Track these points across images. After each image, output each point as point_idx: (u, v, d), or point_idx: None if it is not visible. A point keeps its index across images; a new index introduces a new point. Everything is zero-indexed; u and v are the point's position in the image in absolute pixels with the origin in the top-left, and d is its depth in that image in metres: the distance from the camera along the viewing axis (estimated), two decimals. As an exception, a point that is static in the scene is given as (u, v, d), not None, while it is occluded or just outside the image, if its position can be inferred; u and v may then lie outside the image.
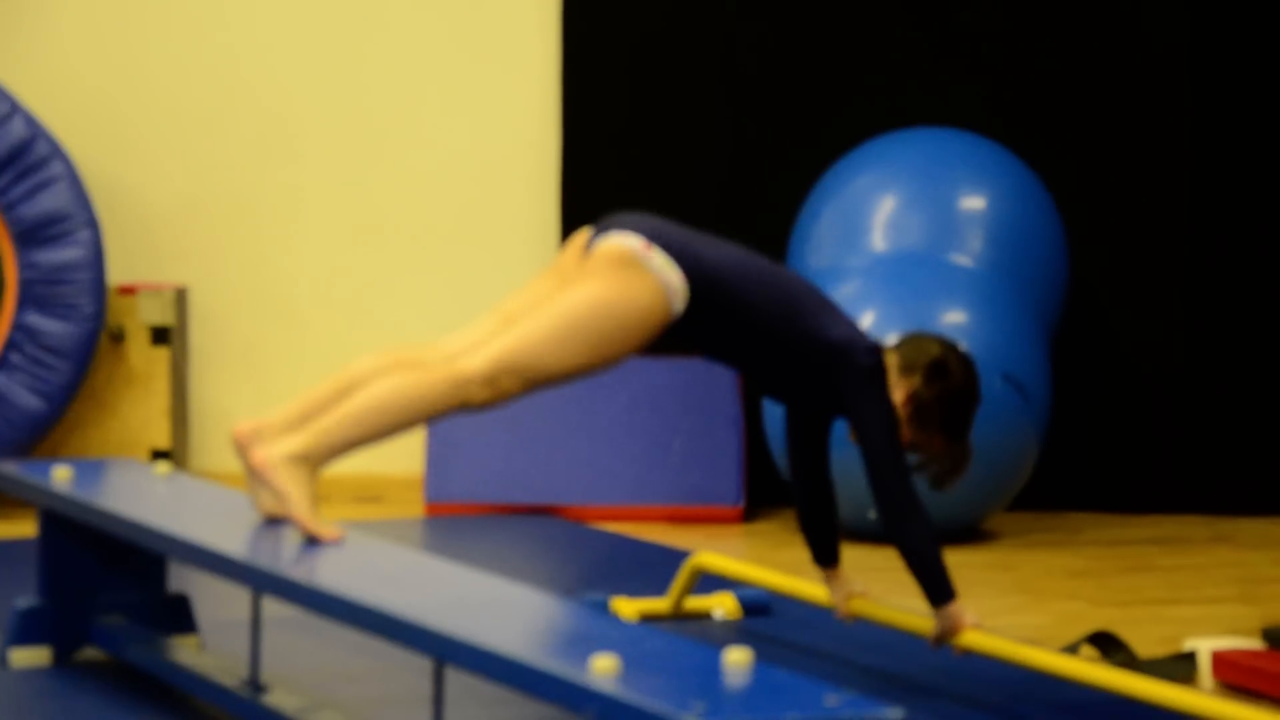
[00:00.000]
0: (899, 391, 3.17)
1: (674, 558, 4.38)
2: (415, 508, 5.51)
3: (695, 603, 3.86)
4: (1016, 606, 4.38)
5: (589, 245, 3.15)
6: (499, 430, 5.55)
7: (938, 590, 3.20)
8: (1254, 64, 5.58)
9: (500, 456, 5.47)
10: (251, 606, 2.95)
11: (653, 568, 4.40)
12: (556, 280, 3.16)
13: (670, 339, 3.13)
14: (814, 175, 5.40)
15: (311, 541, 2.88)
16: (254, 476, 2.98)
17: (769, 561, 4.53)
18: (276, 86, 5.85)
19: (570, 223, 5.78)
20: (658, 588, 3.98)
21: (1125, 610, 4.26)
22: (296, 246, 5.88)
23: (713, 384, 5.53)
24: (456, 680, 2.58)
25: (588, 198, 5.77)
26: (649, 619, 3.76)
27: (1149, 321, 5.62)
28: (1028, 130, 5.54)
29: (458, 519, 5.27)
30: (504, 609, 2.57)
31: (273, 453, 2.94)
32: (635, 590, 3.96)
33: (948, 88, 5.62)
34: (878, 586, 4.46)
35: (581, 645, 2.33)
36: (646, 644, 2.34)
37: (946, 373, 3.18)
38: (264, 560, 2.79)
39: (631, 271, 3.06)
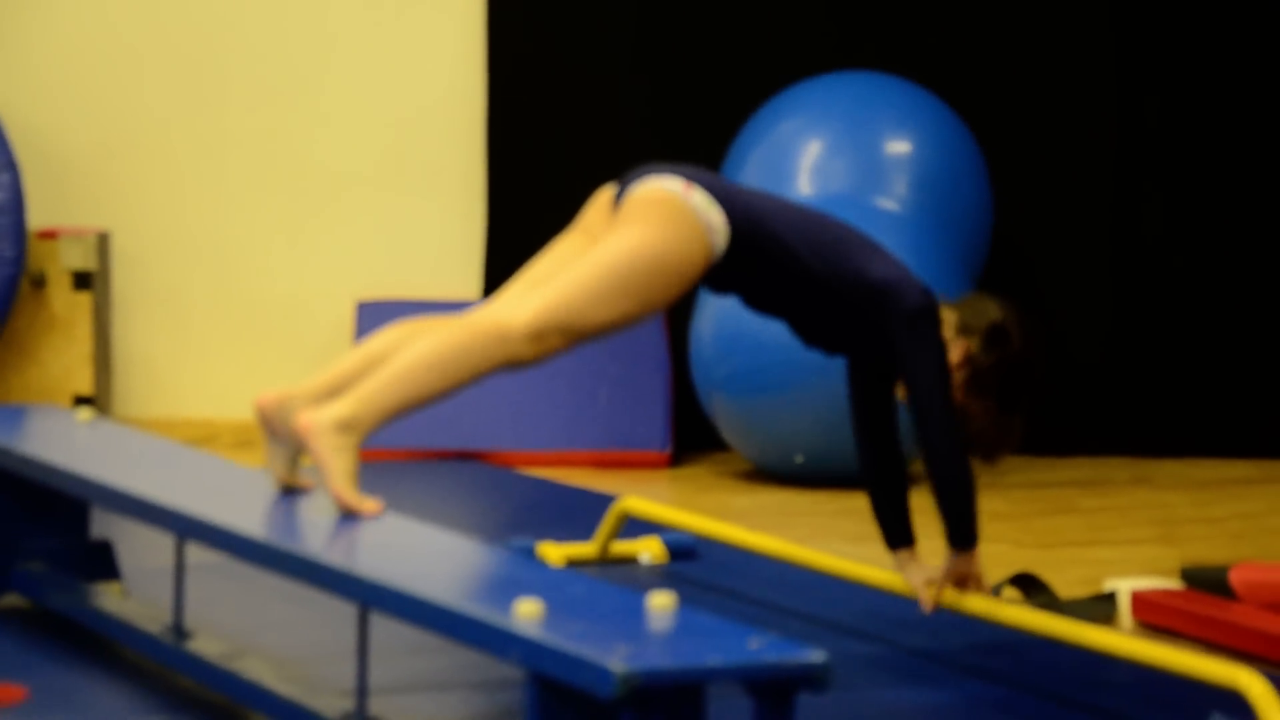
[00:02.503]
0: (954, 351, 2.99)
1: (601, 503, 4.39)
2: (341, 453, 5.49)
3: (622, 547, 3.87)
4: (940, 550, 4.41)
5: (620, 195, 3.00)
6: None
7: (965, 532, 3.04)
8: (1179, 9, 5.61)
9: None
10: (175, 552, 2.93)
11: (579, 513, 4.40)
12: (584, 239, 3.01)
13: (709, 283, 3.00)
14: (740, 119, 5.39)
15: (347, 515, 2.69)
16: (289, 444, 2.79)
17: (695, 506, 4.55)
18: (199, 30, 5.79)
19: (496, 167, 5.76)
20: (584, 533, 3.99)
21: (1047, 552, 4.30)
22: (220, 191, 5.83)
23: (640, 329, 5.52)
24: (383, 627, 2.58)
25: (513, 141, 5.74)
26: (575, 564, 3.77)
27: (1072, 265, 5.65)
28: (953, 75, 5.55)
29: (382, 465, 5.25)
30: (429, 555, 2.57)
31: (318, 418, 2.72)
32: (562, 535, 3.97)
33: (874, 31, 5.62)
34: (807, 529, 4.49)
35: (506, 590, 2.34)
36: (570, 589, 2.35)
37: (1007, 339, 2.99)
38: (187, 505, 2.78)
39: (674, 213, 2.91)
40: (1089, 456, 5.57)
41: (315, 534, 2.66)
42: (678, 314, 5.46)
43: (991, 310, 3.01)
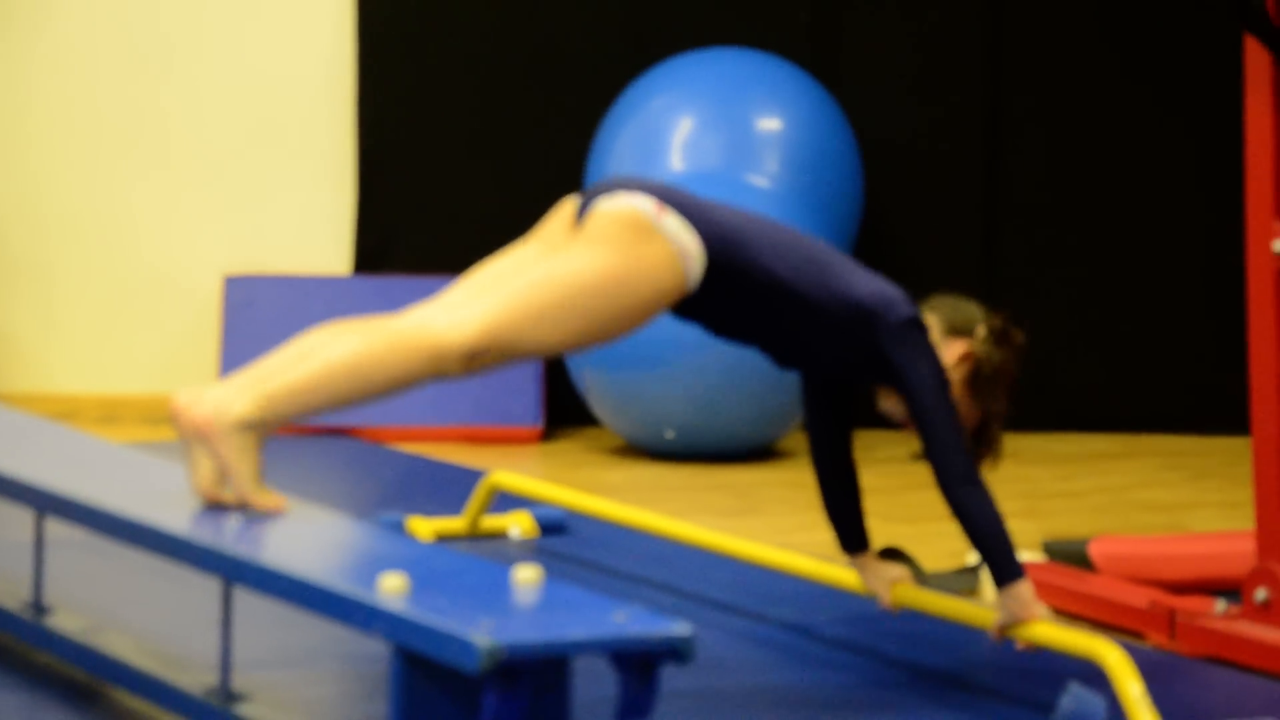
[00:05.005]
0: (950, 351, 2.88)
1: (471, 478, 4.38)
2: (209, 429, 5.43)
3: (492, 522, 3.87)
4: (809, 524, 4.45)
5: (584, 209, 2.77)
6: (295, 350, 5.49)
7: (1005, 566, 2.79)
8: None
9: (297, 377, 5.42)
10: (35, 528, 2.89)
11: (450, 488, 4.39)
12: (541, 250, 2.78)
13: (680, 313, 2.79)
14: (612, 94, 5.39)
15: (253, 514, 2.57)
16: (194, 442, 2.59)
17: (567, 481, 4.55)
18: (67, 0, 5.70)
19: (366, 140, 5.72)
20: (455, 508, 3.98)
21: (914, 526, 4.35)
22: (85, 163, 5.74)
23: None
24: (250, 602, 2.56)
25: (383, 114, 5.71)
26: (445, 538, 3.76)
27: (941, 243, 5.71)
28: (824, 52, 5.59)
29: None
30: (294, 529, 2.55)
31: (219, 417, 2.56)
32: (432, 510, 3.96)
33: (744, 8, 5.64)
34: (678, 504, 4.51)
35: (371, 564, 2.33)
36: (436, 562, 2.34)
37: (1011, 340, 2.92)
38: (47, 480, 2.74)
39: (644, 237, 2.68)
40: (956, 432, 5.63)
41: (179, 509, 2.63)
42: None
43: (971, 309, 2.94)
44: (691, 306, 2.77)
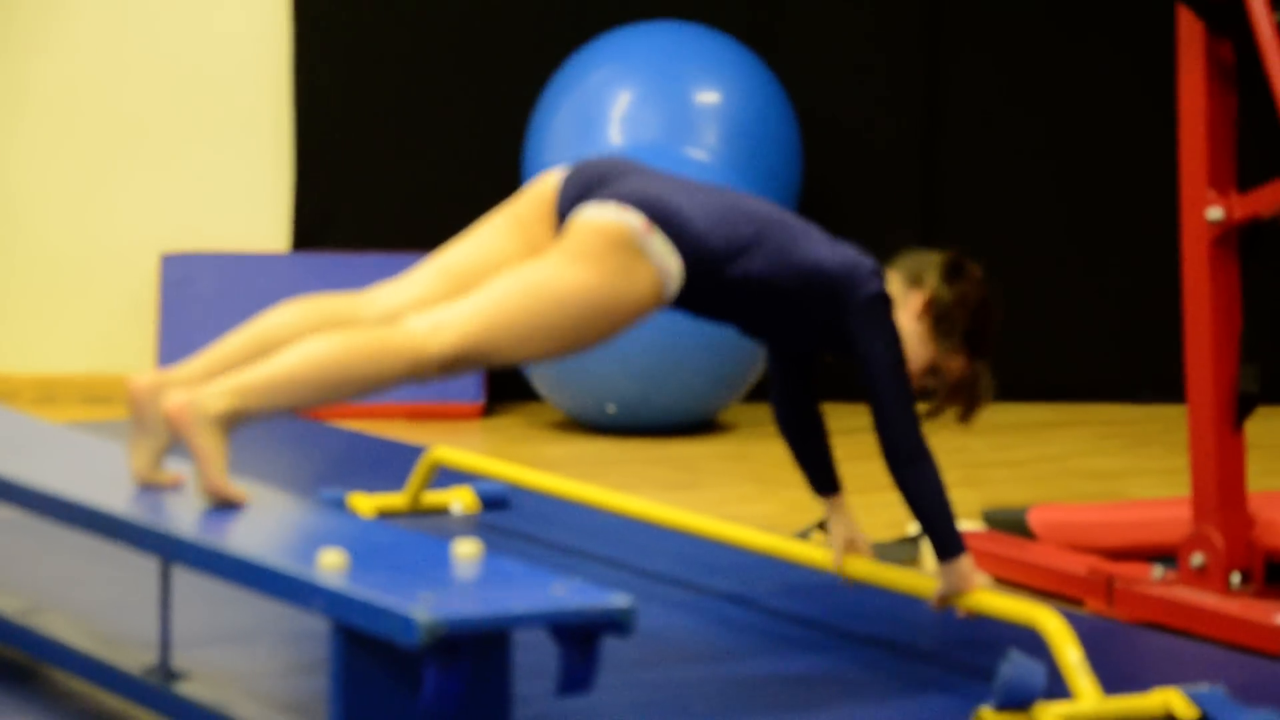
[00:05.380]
0: (911, 305, 2.87)
1: (413, 454, 4.37)
2: (148, 408, 5.40)
3: (433, 497, 3.86)
4: (750, 496, 4.47)
5: (567, 205, 2.77)
6: (235, 327, 5.46)
7: (947, 543, 2.82)
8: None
9: (236, 355, 5.39)
10: (-29, 510, 2.87)
11: (392, 464, 4.38)
12: (517, 234, 2.78)
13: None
14: (550, 68, 5.38)
15: (220, 506, 2.54)
16: (157, 434, 2.58)
17: (509, 456, 4.54)
18: (-6, -26, 5.64)
19: (303, 116, 5.69)
20: (397, 484, 3.97)
21: (855, 496, 4.34)
22: (20, 141, 5.69)
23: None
24: (190, 581, 2.55)
25: (320, 90, 5.67)
26: (386, 515, 3.75)
27: (880, 216, 5.72)
28: (762, 25, 5.59)
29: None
30: (234, 507, 2.54)
31: (193, 409, 2.52)
32: (374, 486, 3.95)
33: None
34: (620, 478, 4.51)
35: (311, 541, 2.32)
36: (376, 538, 2.34)
37: (964, 272, 2.90)
38: (-18, 462, 2.72)
39: (628, 258, 2.69)
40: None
41: (117, 488, 2.62)
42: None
43: (934, 255, 2.92)
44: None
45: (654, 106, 5.14)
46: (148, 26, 5.69)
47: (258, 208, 5.75)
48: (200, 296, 5.54)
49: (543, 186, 2.81)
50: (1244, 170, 3.23)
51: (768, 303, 2.80)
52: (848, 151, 5.69)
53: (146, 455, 2.61)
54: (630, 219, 2.71)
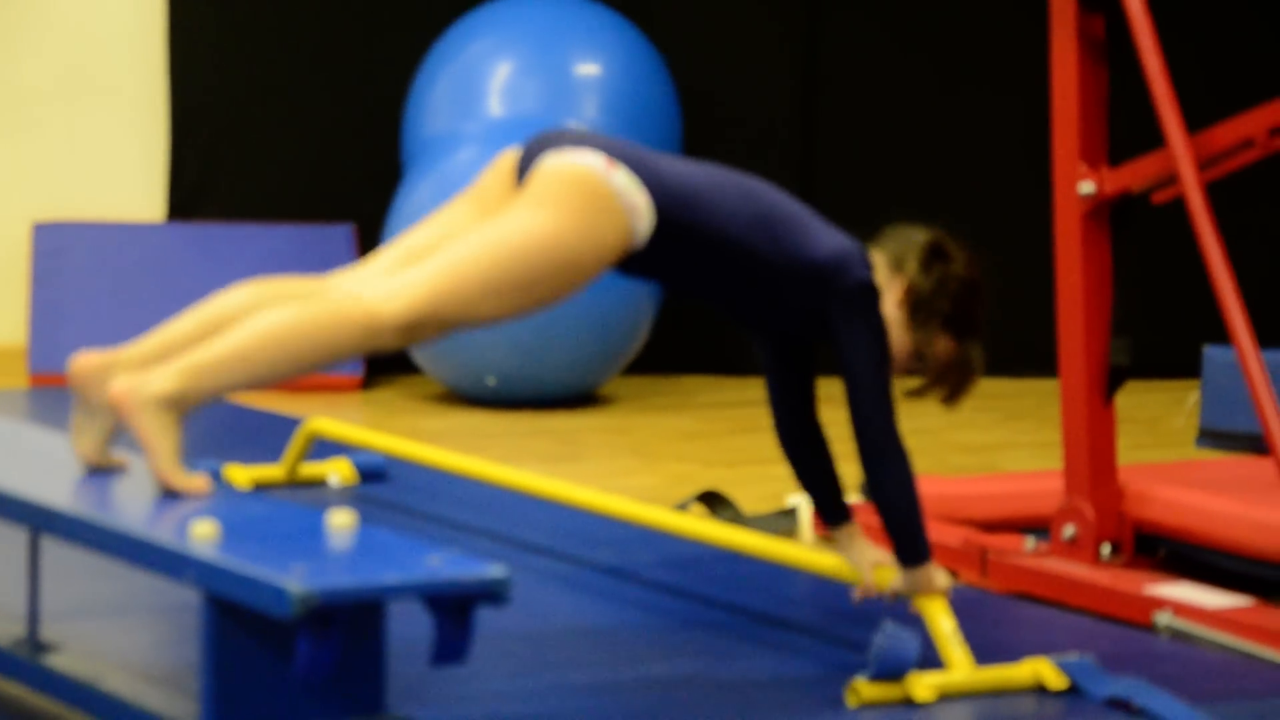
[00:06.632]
0: (893, 293, 2.74)
1: (290, 425, 4.33)
2: (18, 379, 5.32)
3: (311, 469, 3.83)
4: (631, 469, 4.48)
5: (526, 163, 2.64)
6: (109, 297, 5.39)
7: (913, 548, 2.72)
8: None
9: (111, 325, 5.31)
10: None
11: (269, 435, 4.34)
12: (480, 211, 2.64)
13: (622, 268, 2.65)
14: (429, 39, 5.35)
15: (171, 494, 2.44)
16: (103, 415, 2.49)
17: (388, 429, 4.52)
18: None
19: (178, 84, 5.61)
20: (273, 455, 3.93)
21: (734, 470, 4.39)
22: (-114, 106, 5.58)
23: (331, 251, 5.46)
24: (61, 553, 2.52)
25: (195, 59, 5.61)
26: (263, 486, 3.72)
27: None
28: (644, -1, 5.59)
29: (66, 390, 5.11)
30: (106, 479, 2.50)
31: (138, 392, 2.41)
32: (250, 458, 3.91)
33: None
34: (500, 451, 4.51)
35: (183, 512, 2.29)
36: (249, 509, 2.32)
37: (945, 256, 2.77)
38: None
39: (591, 196, 2.55)
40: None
41: (-17, 458, 2.58)
42: (369, 227, 5.41)
43: (919, 234, 2.79)
44: (639, 264, 2.65)
45: (534, 78, 5.13)
46: (19, -9, 5.60)
47: (132, 177, 5.68)
48: (73, 266, 5.46)
49: (502, 162, 2.70)
50: (1115, 145, 3.28)
51: (747, 277, 2.67)
52: (726, 124, 5.70)
53: (92, 438, 2.52)
54: (590, 158, 2.59)
